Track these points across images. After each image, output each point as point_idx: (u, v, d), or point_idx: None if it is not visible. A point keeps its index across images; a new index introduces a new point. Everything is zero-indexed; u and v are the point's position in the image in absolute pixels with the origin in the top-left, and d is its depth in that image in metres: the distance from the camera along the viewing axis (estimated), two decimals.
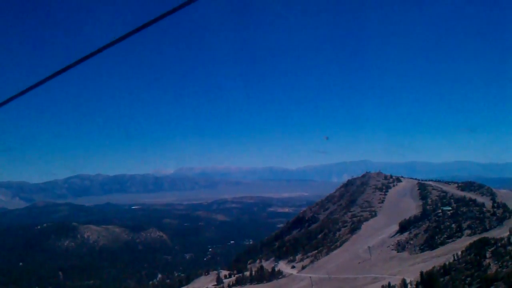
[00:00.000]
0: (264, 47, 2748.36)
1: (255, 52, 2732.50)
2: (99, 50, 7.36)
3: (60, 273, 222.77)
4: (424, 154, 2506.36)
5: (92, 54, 7.42)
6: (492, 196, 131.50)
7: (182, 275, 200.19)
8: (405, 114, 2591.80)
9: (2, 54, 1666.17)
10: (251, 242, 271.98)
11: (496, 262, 62.59)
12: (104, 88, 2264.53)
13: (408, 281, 69.19)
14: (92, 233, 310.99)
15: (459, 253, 74.00)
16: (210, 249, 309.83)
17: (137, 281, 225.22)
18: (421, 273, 64.28)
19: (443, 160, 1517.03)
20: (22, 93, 8.23)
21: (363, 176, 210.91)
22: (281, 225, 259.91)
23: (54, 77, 7.92)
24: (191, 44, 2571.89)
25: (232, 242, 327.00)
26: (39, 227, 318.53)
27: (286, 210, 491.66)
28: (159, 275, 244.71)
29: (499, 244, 69.15)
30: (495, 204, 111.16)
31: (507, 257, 61.43)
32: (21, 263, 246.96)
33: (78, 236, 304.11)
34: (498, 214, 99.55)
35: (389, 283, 74.60)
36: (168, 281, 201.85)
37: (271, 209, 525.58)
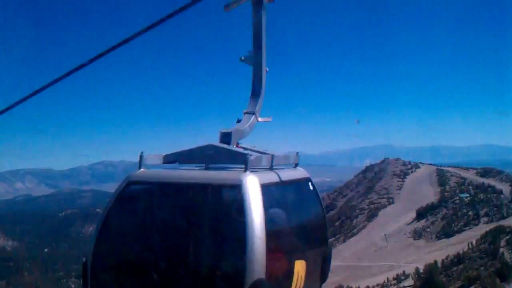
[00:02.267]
0: (287, 28, 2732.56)
1: (277, 33, 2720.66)
2: (126, 41, 7.26)
3: (85, 259, 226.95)
4: (449, 138, 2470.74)
5: (120, 44, 7.34)
6: None
7: None
8: (429, 98, 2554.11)
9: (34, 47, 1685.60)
10: None
11: (510, 251, 62.21)
12: (128, 77, 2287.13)
13: (422, 270, 69.37)
14: None
15: (474, 241, 73.70)
16: None
17: None
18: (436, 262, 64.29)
19: (468, 143, 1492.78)
20: (50, 84, 8.20)
21: (382, 162, 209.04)
22: None
23: (80, 69, 7.86)
24: (209, 33, 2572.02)
25: None
26: (63, 213, 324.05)
27: None
28: None
29: None
30: None
31: None
32: (46, 250, 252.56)
33: None
34: None
35: (403, 272, 74.86)
36: None
37: None
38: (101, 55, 7.53)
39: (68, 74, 7.94)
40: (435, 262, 66.40)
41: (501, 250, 63.81)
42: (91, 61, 7.65)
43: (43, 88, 8.21)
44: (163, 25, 6.98)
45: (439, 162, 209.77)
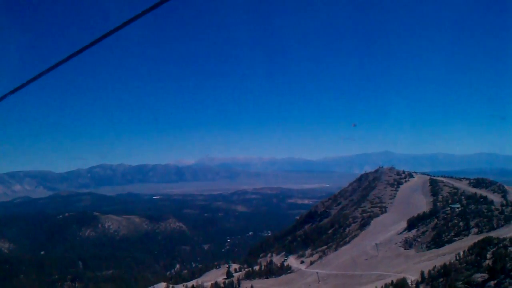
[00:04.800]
0: (284, 35, 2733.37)
1: (275, 39, 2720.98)
2: (114, 30, 7.48)
3: (80, 262, 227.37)
4: (449, 146, 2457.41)
5: (108, 34, 7.52)
6: (504, 193, 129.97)
7: (200, 265, 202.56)
8: (430, 105, 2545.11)
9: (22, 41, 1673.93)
10: (269, 234, 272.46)
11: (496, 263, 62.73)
12: (127, 78, 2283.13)
13: (409, 280, 69.92)
14: (112, 222, 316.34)
15: (461, 252, 74.19)
16: (228, 240, 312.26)
17: (155, 272, 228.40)
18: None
19: (467, 152, 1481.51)
20: (39, 76, 8.46)
21: (376, 171, 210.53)
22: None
23: (70, 59, 7.97)
24: (211, 32, 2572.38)
25: (250, 233, 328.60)
26: (61, 216, 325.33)
27: (306, 201, 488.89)
28: (177, 266, 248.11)
29: (501, 245, 69.08)
30: (504, 202, 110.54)
31: (507, 259, 61.56)
32: (42, 252, 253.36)
33: (99, 225, 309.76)
34: (506, 213, 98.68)
35: (392, 281, 75.42)
36: (185, 271, 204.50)
37: (291, 200, 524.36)
38: (92, 43, 7.79)
39: (54, 66, 8.26)
40: (422, 274, 67.27)
41: (487, 262, 64.47)
42: (79, 50, 7.96)
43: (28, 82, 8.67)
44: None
45: (438, 170, 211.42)
